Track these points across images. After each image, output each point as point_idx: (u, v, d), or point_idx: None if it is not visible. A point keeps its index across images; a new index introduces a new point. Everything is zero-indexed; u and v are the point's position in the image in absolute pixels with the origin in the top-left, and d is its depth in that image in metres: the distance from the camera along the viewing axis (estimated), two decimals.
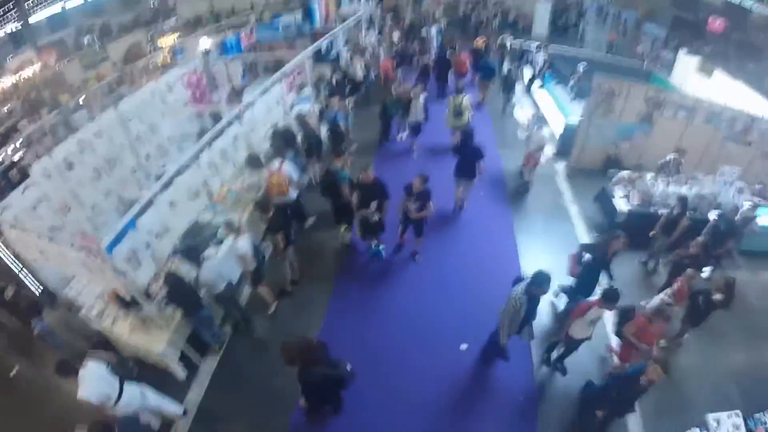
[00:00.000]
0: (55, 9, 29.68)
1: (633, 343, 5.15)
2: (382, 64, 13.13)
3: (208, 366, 6.25)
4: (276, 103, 9.61)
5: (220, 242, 6.55)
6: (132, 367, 5.01)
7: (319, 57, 12.18)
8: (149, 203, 5.95)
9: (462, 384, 5.96)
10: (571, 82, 14.51)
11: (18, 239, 6.31)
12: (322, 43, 11.93)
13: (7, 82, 20.24)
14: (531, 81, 14.54)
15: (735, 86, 11.65)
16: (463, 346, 6.32)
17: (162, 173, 6.97)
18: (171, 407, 5.40)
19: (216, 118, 8.96)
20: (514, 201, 9.39)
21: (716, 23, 20.68)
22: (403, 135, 11.28)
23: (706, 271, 7.31)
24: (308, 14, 14.10)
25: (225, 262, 6.12)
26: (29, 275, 7.18)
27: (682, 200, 7.06)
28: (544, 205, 9.28)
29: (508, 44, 16.26)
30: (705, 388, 5.91)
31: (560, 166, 10.57)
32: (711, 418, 4.91)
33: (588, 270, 5.97)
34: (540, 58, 14.32)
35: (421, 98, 9.99)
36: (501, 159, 10.71)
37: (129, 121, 8.35)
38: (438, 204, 8.92)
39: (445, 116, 10.73)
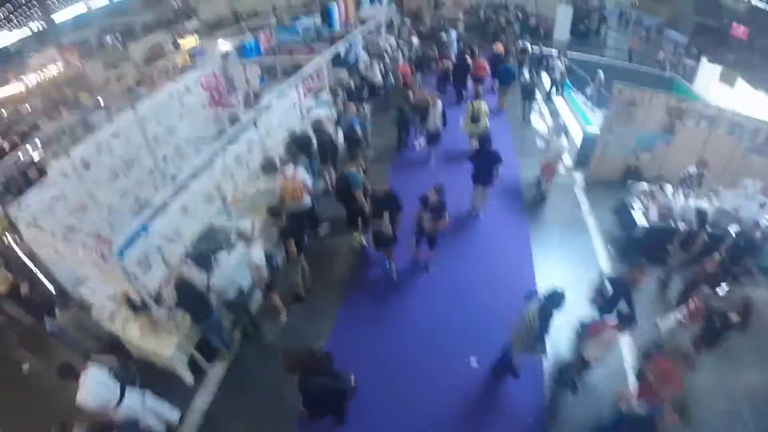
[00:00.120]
0: (79, 8, 30.37)
1: (654, 387, 4.93)
2: (400, 69, 13.04)
3: (216, 371, 6.25)
4: (292, 108, 9.62)
5: (233, 248, 6.56)
6: (135, 373, 5.01)
7: (337, 61, 12.18)
8: (162, 207, 5.97)
9: (471, 398, 5.85)
10: (591, 90, 14.33)
11: (34, 237, 6.43)
12: (341, 47, 11.93)
13: (29, 79, 20.75)
14: (550, 88, 14.34)
15: (758, 95, 11.35)
16: (473, 362, 6.20)
17: (177, 175, 7.01)
18: (167, 414, 5.41)
19: (234, 120, 9.01)
20: (531, 211, 9.24)
21: (740, 30, 20.25)
22: (421, 142, 11.16)
23: (723, 289, 7.13)
24: (327, 17, 14.09)
25: (236, 268, 6.11)
26: (44, 273, 7.23)
27: (701, 215, 6.87)
28: (561, 216, 9.10)
29: (528, 49, 16.11)
30: (718, 408, 5.72)
31: (579, 176, 10.36)
32: None
33: (611, 302, 5.71)
34: (559, 64, 14.11)
35: (439, 105, 9.84)
36: (519, 167, 10.55)
37: (147, 122, 8.44)
38: (454, 212, 8.91)
39: (462, 121, 10.64)
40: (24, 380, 6.68)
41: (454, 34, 16.31)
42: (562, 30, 21.29)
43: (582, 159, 10.55)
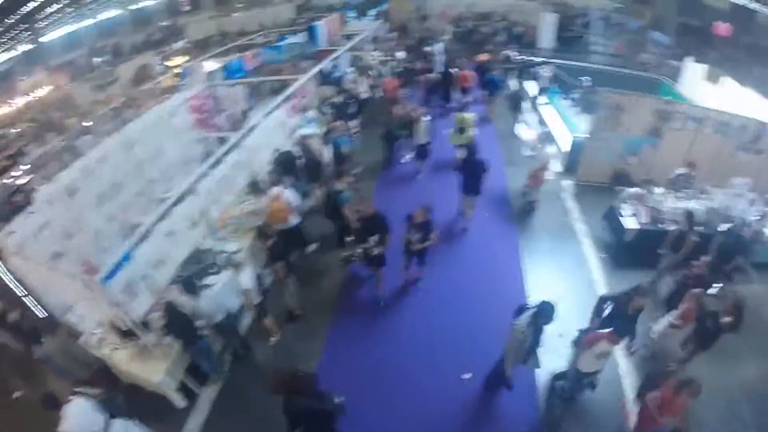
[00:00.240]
0: (67, 29, 30.45)
1: (655, 416, 4.85)
2: (387, 83, 13.06)
3: (208, 394, 6.18)
4: (278, 127, 9.60)
5: (220, 271, 6.51)
6: (121, 403, 4.96)
7: (323, 78, 12.20)
8: (145, 235, 5.94)
9: (464, 411, 5.80)
10: (576, 96, 14.37)
11: (20, 265, 6.34)
12: (326, 64, 11.95)
13: (17, 103, 20.73)
14: (536, 97, 14.39)
15: (743, 92, 11.41)
16: (466, 376, 6.14)
17: (164, 199, 6.98)
18: None
19: (221, 141, 8.98)
20: (520, 220, 9.22)
21: (722, 28, 20.46)
22: (408, 157, 11.15)
23: (715, 288, 7.11)
24: (312, 35, 14.14)
25: (223, 292, 6.05)
26: (33, 300, 7.19)
27: (688, 215, 6.84)
28: (550, 223, 9.09)
29: (512, 57, 16.20)
30: (717, 407, 5.70)
31: (567, 183, 10.37)
32: None
33: (608, 323, 5.53)
34: (545, 72, 14.19)
35: (425, 119, 9.81)
36: (507, 177, 10.54)
37: (133, 146, 8.40)
38: (443, 223, 8.87)
39: (449, 133, 10.68)
40: (15, 406, 6.54)
41: (439, 46, 16.38)
42: (547, 37, 21.42)
43: (570, 165, 10.57)
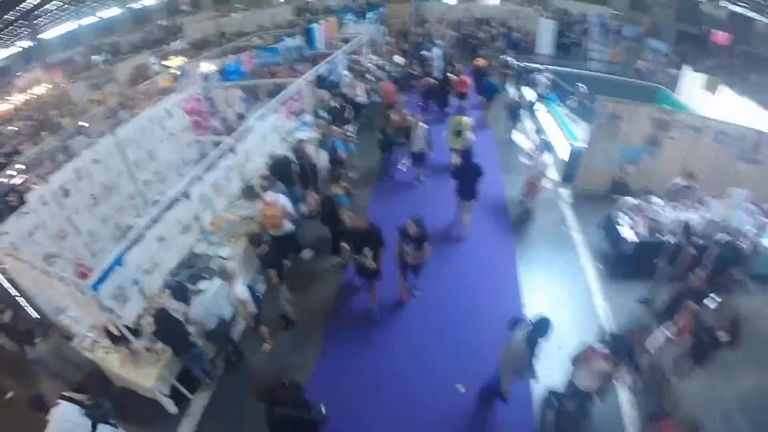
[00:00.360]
0: (68, 27, 30.33)
1: None
2: (384, 88, 12.99)
3: (200, 400, 6.13)
4: (273, 131, 9.54)
5: (213, 276, 6.45)
6: (108, 409, 4.89)
7: (319, 81, 12.13)
8: (137, 239, 5.87)
9: (459, 422, 5.74)
10: (572, 103, 14.37)
11: (13, 266, 6.29)
12: (323, 67, 11.89)
13: (14, 100, 20.60)
14: (533, 103, 14.38)
15: (741, 101, 11.42)
16: (461, 388, 6.07)
17: (158, 201, 6.92)
18: None
19: (216, 144, 8.91)
20: (517, 229, 9.16)
21: (720, 36, 20.55)
22: (406, 163, 11.07)
23: (713, 301, 7.08)
24: (309, 37, 14.07)
25: (216, 299, 5.98)
26: (26, 301, 7.16)
27: (686, 228, 6.80)
28: (547, 233, 9.03)
29: (510, 62, 16.20)
30: (713, 420, 5.57)
31: (565, 192, 10.33)
32: None
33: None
34: (543, 79, 14.18)
35: (422, 126, 9.70)
36: (504, 185, 10.50)
37: (127, 147, 8.33)
38: (439, 230, 8.87)
39: (446, 136, 10.64)
40: (8, 407, 6.52)
41: (437, 51, 16.36)
42: (545, 44, 21.45)
43: (568, 174, 10.53)
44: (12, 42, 27.23)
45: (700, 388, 5.93)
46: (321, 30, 14.64)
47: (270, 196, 7.00)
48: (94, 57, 28.80)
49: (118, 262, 5.38)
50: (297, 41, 14.72)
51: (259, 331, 6.46)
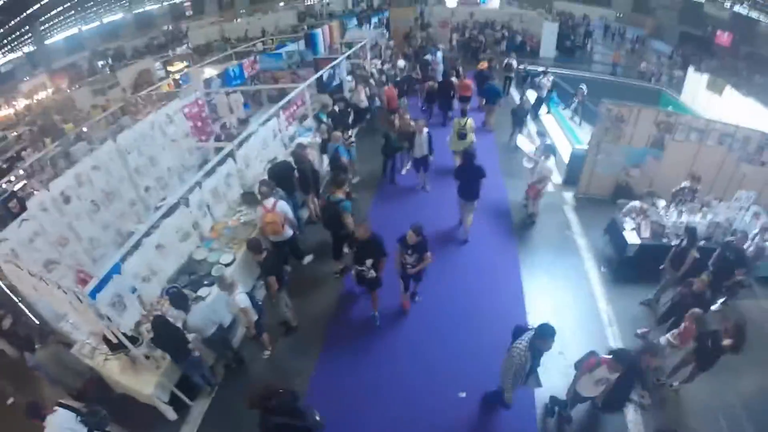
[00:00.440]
0: (71, 32, 30.55)
1: None
2: (386, 92, 12.92)
3: (200, 407, 6.08)
4: (273, 137, 9.51)
5: (213, 283, 6.43)
6: (104, 418, 4.90)
7: (321, 86, 12.12)
8: (135, 247, 5.85)
9: (460, 429, 5.66)
10: (574, 104, 14.34)
11: (13, 273, 6.27)
12: (324, 72, 11.87)
13: (18, 105, 20.72)
14: (536, 107, 14.33)
15: (746, 102, 11.32)
16: (462, 395, 5.99)
17: (159, 207, 6.90)
18: None
19: (218, 150, 8.91)
20: (520, 234, 9.06)
21: (724, 37, 20.47)
22: (408, 168, 11.02)
23: (717, 304, 7.00)
24: (311, 42, 14.07)
25: (214, 306, 5.93)
26: (27, 307, 7.09)
27: (690, 231, 6.69)
28: (550, 237, 8.94)
29: (513, 65, 16.18)
30: (717, 423, 5.59)
31: (568, 196, 10.24)
32: None
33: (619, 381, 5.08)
34: (546, 82, 14.13)
35: (425, 132, 9.60)
36: (507, 189, 10.41)
37: (128, 153, 8.34)
38: (441, 234, 8.84)
39: (449, 139, 10.62)
40: (8, 412, 6.43)
41: (439, 54, 16.35)
42: (548, 46, 21.41)
43: (571, 177, 10.45)
44: (17, 47, 27.43)
45: (704, 391, 5.86)
46: (323, 35, 14.62)
47: (270, 202, 6.94)
48: (98, 62, 28.98)
49: (116, 270, 5.34)
50: (299, 46, 14.70)
51: (261, 339, 6.43)
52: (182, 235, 6.93)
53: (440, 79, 14.38)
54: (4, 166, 12.82)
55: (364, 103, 12.74)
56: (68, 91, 22.01)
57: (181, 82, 13.40)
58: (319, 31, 14.53)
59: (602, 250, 8.45)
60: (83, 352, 6.07)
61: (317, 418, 4.59)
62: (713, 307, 6.77)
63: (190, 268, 6.98)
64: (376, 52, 17.47)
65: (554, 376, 5.89)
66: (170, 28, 34.76)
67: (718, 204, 8.10)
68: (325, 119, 10.44)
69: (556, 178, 10.36)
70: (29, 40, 27.87)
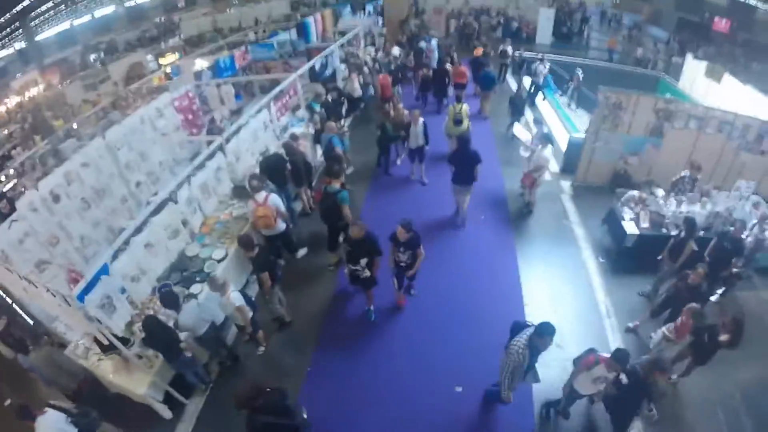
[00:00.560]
0: (63, 26, 30.14)
1: None
2: (380, 80, 12.72)
3: (195, 404, 6.05)
4: (264, 128, 9.35)
5: (206, 279, 6.32)
6: (94, 419, 4.88)
7: (314, 75, 11.94)
8: (123, 247, 5.76)
9: (458, 424, 5.61)
10: (570, 89, 14.18)
11: (4, 275, 6.16)
12: (317, 61, 11.68)
13: (9, 103, 20.45)
14: (533, 94, 14.16)
15: (744, 90, 11.18)
16: (458, 389, 5.93)
17: (149, 203, 6.79)
18: None
19: (209, 142, 8.76)
20: (517, 223, 8.95)
21: (722, 24, 20.28)
22: (402, 158, 10.87)
23: (716, 296, 6.94)
24: (303, 31, 13.82)
25: (206, 304, 5.84)
26: (21, 308, 7.06)
27: (689, 222, 6.56)
28: (548, 227, 8.84)
29: (509, 52, 16.00)
30: (715, 417, 5.56)
31: (565, 184, 10.10)
32: None
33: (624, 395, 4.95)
34: (542, 68, 13.95)
35: (421, 122, 9.42)
36: (503, 178, 10.29)
37: (118, 149, 8.19)
38: (438, 225, 8.77)
39: (445, 124, 10.51)
40: (6, 413, 6.39)
41: (434, 41, 16.13)
42: (544, 33, 21.20)
43: (568, 165, 10.32)
44: (8, 44, 27.06)
45: (701, 384, 5.81)
46: (316, 23, 14.37)
47: (261, 195, 6.81)
48: (90, 56, 28.64)
49: (105, 271, 5.23)
50: (291, 35, 14.45)
51: (256, 336, 6.35)
52: (171, 233, 6.80)
53: (435, 66, 14.19)
54: None
55: (358, 92, 12.56)
56: (59, 86, 21.73)
57: (172, 74, 13.16)
58: (310, 19, 14.26)
59: (600, 239, 8.36)
60: (77, 352, 6.01)
61: (304, 416, 4.57)
62: (712, 298, 6.71)
63: (182, 265, 6.87)
64: (369, 39, 17.23)
65: (552, 369, 5.81)
66: (162, 20, 34.25)
67: (718, 194, 7.98)
68: (318, 109, 10.27)
69: (554, 166, 10.21)
70: (20, 37, 27.45)
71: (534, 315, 6.81)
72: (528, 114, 13.10)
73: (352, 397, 5.94)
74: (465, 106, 10.26)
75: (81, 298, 4.87)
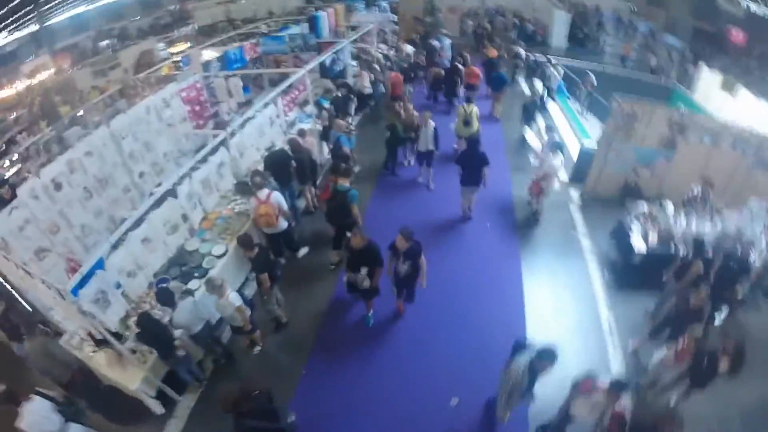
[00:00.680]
0: (75, 11, 30.12)
1: None
2: (391, 78, 12.60)
3: (187, 401, 5.99)
4: (271, 124, 9.24)
5: (206, 274, 6.27)
6: (80, 409, 5.02)
7: (324, 71, 11.82)
8: (120, 241, 5.69)
9: None
10: (583, 93, 13.97)
11: (2, 262, 6.12)
12: (327, 56, 11.57)
13: (19, 86, 20.42)
14: (545, 98, 13.97)
15: (760, 104, 10.96)
16: (454, 401, 5.80)
17: (152, 194, 6.70)
18: None
19: (215, 135, 8.67)
20: (523, 232, 8.79)
21: (738, 35, 19.96)
22: (411, 160, 10.71)
23: (720, 318, 6.72)
24: (314, 25, 13.69)
25: (203, 301, 5.76)
26: (20, 295, 7.04)
27: (698, 244, 6.40)
28: (554, 237, 8.67)
29: (521, 54, 15.83)
30: None
31: (574, 194, 9.91)
32: None
33: None
34: (555, 73, 13.76)
35: (431, 125, 9.23)
36: (512, 184, 10.11)
37: (122, 139, 8.13)
38: (444, 229, 8.69)
39: (454, 125, 10.48)
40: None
41: (447, 41, 15.98)
42: (558, 36, 20.96)
43: (578, 174, 10.10)
44: (21, 27, 27.06)
45: (699, 400, 5.63)
46: (327, 18, 14.21)
47: (264, 193, 6.71)
48: (101, 43, 28.59)
49: (100, 265, 5.16)
50: (302, 29, 14.32)
51: (254, 335, 6.29)
52: (170, 228, 6.72)
53: (447, 65, 14.11)
54: (3, 148, 12.69)
55: (368, 89, 12.43)
56: (69, 72, 21.68)
57: (181, 64, 13.06)
58: (322, 13, 14.11)
59: (607, 253, 8.17)
60: (72, 343, 5.94)
61: (292, 418, 4.58)
62: (716, 321, 6.57)
63: (181, 259, 6.79)
64: (382, 36, 17.09)
65: (548, 385, 5.61)
66: (177, 7, 34.18)
67: (729, 211, 7.74)
68: (326, 105, 10.16)
69: (563, 175, 10.03)
70: (33, 20, 27.45)
71: (535, 326, 6.74)
72: (540, 121, 12.93)
73: (345, 402, 5.85)
74: (475, 108, 10.19)
75: (75, 291, 4.82)
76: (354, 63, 13.09)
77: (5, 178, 8.82)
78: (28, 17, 26.84)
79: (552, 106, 13.91)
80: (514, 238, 8.66)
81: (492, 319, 6.87)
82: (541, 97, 13.68)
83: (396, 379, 6.12)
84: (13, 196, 7.17)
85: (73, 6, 29.89)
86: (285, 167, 7.87)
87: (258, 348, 6.50)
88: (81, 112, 11.85)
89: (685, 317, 5.64)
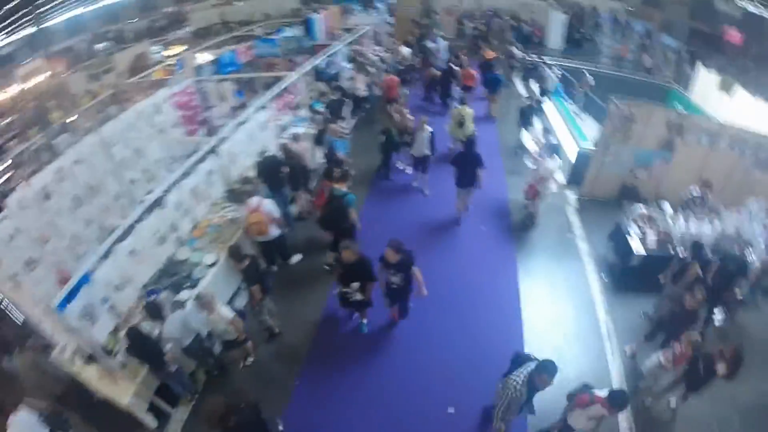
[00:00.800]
0: (72, 13, 30.02)
1: None
2: (386, 80, 12.50)
3: (180, 413, 5.89)
4: (262, 129, 9.13)
5: (196, 285, 6.14)
6: (66, 420, 4.90)
7: (319, 74, 11.72)
8: (106, 255, 5.58)
9: None
10: (579, 93, 13.91)
11: None
12: (321, 59, 11.47)
13: (12, 91, 20.23)
14: (540, 100, 13.87)
15: (757, 104, 10.87)
16: (451, 410, 5.71)
17: (143, 201, 6.61)
18: None
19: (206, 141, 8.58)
20: (519, 235, 8.71)
21: (735, 35, 19.92)
22: (406, 165, 10.58)
23: (719, 320, 6.72)
24: (308, 28, 13.58)
25: (192, 314, 5.64)
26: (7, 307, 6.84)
27: (695, 247, 6.35)
28: (551, 240, 8.60)
29: (516, 55, 15.76)
30: None
31: (571, 196, 9.84)
32: None
33: None
34: (552, 74, 13.69)
35: (427, 129, 9.12)
36: (508, 188, 10.04)
37: (113, 145, 8.00)
38: (435, 232, 8.63)
39: (449, 126, 10.48)
40: None
41: (443, 42, 15.90)
42: (555, 37, 20.88)
43: (575, 177, 10.03)
44: (17, 30, 26.95)
45: (697, 402, 5.56)
46: (321, 20, 14.12)
47: (254, 201, 6.61)
48: (97, 45, 28.48)
49: (86, 279, 5.05)
50: (296, 32, 14.22)
51: (245, 346, 6.17)
52: (159, 239, 6.60)
53: (442, 67, 14.02)
54: None
55: (364, 92, 12.35)
56: (64, 75, 21.52)
57: (176, 67, 12.95)
58: (317, 15, 14.01)
59: (604, 255, 8.11)
60: (63, 356, 5.75)
61: (280, 429, 4.52)
62: (715, 323, 6.52)
63: (171, 269, 6.67)
64: (378, 38, 17.00)
65: (547, 391, 5.55)
66: (172, 10, 34.07)
67: (727, 212, 7.70)
68: (320, 108, 10.07)
69: (559, 177, 9.92)
70: (29, 23, 27.33)
71: (532, 331, 6.69)
72: (537, 124, 12.84)
73: (340, 411, 5.77)
74: (469, 110, 10.19)
75: (63, 305, 4.70)
76: (349, 66, 12.96)
77: None
78: (25, 19, 26.79)
79: (548, 108, 13.82)
80: (510, 241, 8.59)
81: (488, 323, 6.81)
82: (538, 101, 13.60)
83: (391, 386, 6.03)
84: (2, 207, 7.07)
85: (70, 8, 29.82)
86: (277, 173, 7.77)
87: (251, 359, 6.39)
88: (72, 118, 11.70)
89: (681, 320, 5.60)
